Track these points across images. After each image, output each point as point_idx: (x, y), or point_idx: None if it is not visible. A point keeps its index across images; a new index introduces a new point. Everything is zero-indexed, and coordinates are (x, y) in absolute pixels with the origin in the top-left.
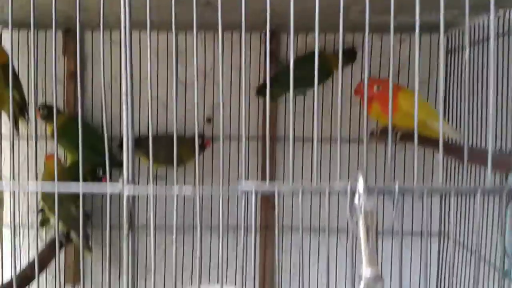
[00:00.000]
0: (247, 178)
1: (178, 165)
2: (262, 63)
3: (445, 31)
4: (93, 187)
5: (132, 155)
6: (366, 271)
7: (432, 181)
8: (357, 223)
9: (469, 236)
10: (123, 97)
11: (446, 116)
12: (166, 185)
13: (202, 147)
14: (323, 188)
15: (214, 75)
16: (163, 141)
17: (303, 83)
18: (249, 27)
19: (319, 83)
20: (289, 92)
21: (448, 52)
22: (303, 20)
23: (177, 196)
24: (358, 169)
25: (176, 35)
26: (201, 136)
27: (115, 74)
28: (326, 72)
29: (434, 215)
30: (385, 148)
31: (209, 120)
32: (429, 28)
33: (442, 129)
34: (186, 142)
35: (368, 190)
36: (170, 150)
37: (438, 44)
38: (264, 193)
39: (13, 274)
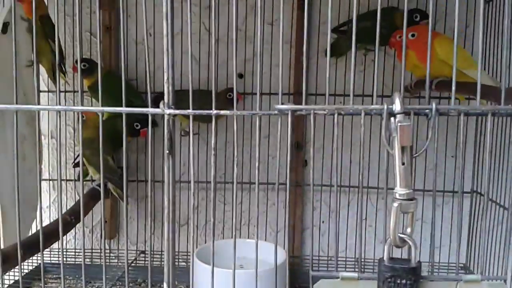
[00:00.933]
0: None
1: (208, 121)
2: (295, 16)
3: None
4: (137, 109)
5: (172, 82)
6: (400, 192)
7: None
8: (392, 143)
9: (502, 193)
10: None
11: (484, 65)
12: (198, 144)
13: (236, 100)
14: (359, 109)
15: (247, 30)
16: (195, 95)
17: (372, 38)
18: None
19: (383, 44)
20: (359, 45)
21: (486, 1)
22: None
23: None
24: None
25: None
26: (232, 90)
27: (150, 29)
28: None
29: (467, 174)
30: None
31: (241, 76)
32: None
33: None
34: (217, 96)
35: (405, 110)
36: (202, 104)
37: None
38: (300, 113)
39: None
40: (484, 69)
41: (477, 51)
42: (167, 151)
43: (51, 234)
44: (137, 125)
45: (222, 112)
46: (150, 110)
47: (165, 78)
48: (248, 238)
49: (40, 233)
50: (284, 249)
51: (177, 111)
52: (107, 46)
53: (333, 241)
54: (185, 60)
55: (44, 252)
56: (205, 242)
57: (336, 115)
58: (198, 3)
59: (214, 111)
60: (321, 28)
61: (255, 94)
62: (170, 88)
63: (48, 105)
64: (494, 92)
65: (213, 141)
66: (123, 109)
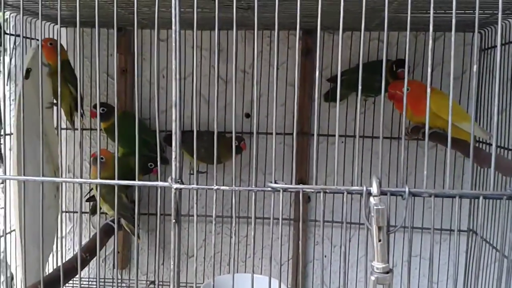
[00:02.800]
0: (280, 175)
1: (216, 163)
2: (299, 60)
3: (479, 29)
4: (147, 182)
5: (179, 157)
6: (377, 265)
7: (462, 181)
8: (370, 220)
9: (496, 235)
10: (173, 108)
11: (477, 115)
12: (206, 179)
13: (239, 149)
14: (341, 190)
15: (254, 72)
16: (204, 137)
17: (368, 88)
18: (285, 25)
19: (379, 93)
20: (354, 93)
21: (482, 50)
22: (337, 19)
23: (216, 191)
24: (401, 165)
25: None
26: (239, 138)
27: (162, 71)
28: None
29: (464, 214)
30: (417, 148)
31: (248, 116)
32: (463, 26)
33: (472, 134)
34: (224, 142)
35: (381, 192)
36: (210, 148)
37: (472, 42)
38: (291, 191)
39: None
40: (477, 118)
41: (472, 97)
42: (174, 220)
43: (67, 272)
44: (151, 165)
45: (222, 187)
46: (160, 183)
47: (173, 156)
48: (253, 270)
49: (61, 274)
50: (287, 285)
51: (182, 186)
52: (122, 88)
53: (335, 276)
54: (195, 100)
55: None
56: (213, 274)
57: (322, 193)
58: (208, 47)
59: (215, 187)
60: (323, 73)
61: (262, 133)
62: (178, 164)
63: (66, 145)
64: (478, 154)
65: (214, 216)
66: (136, 183)
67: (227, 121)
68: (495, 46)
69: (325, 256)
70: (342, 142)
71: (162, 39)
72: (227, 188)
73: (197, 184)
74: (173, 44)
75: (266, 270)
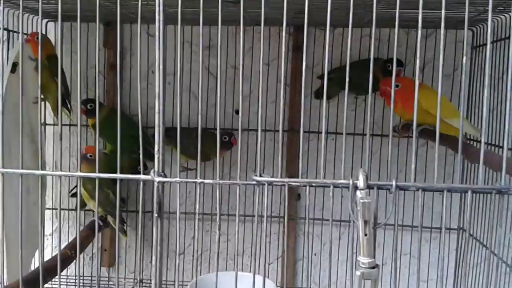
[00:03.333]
0: (269, 169)
1: (205, 160)
2: (290, 56)
3: (471, 26)
4: (129, 175)
5: (162, 151)
6: (363, 260)
7: (453, 178)
8: (357, 214)
9: (486, 233)
10: (156, 100)
11: (468, 112)
12: (197, 176)
13: (230, 144)
14: (328, 183)
15: (245, 68)
16: (193, 134)
17: (358, 86)
18: (276, 21)
19: (372, 91)
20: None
21: (473, 48)
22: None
23: (202, 186)
24: (390, 161)
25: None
26: (228, 134)
27: (152, 66)
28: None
29: (454, 211)
30: (407, 145)
31: (238, 112)
32: (455, 23)
33: (462, 129)
34: (214, 139)
35: (368, 186)
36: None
37: (464, 40)
38: (276, 185)
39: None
40: (468, 116)
41: (464, 94)
42: (156, 214)
43: (51, 269)
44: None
45: (206, 181)
46: (142, 177)
47: (156, 149)
48: (243, 268)
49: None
50: (275, 283)
51: (165, 179)
52: (111, 83)
53: (324, 274)
54: (185, 97)
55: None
56: (201, 271)
57: (307, 187)
58: (198, 43)
59: (198, 180)
60: (315, 69)
61: (251, 130)
62: (161, 157)
63: (53, 140)
64: (467, 150)
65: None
66: (118, 176)
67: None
68: (484, 44)
69: (315, 254)
70: (333, 139)
71: (151, 34)
72: (211, 181)
73: (181, 177)
74: (157, 38)
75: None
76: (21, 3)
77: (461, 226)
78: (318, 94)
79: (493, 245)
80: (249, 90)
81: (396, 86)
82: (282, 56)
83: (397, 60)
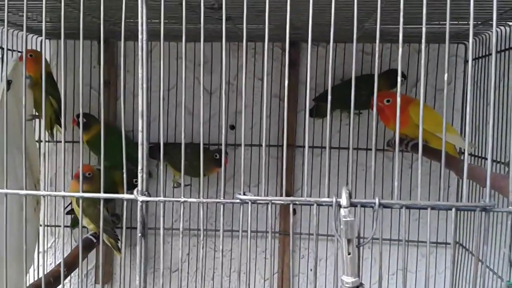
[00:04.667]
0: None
1: (198, 176)
2: (284, 72)
3: (464, 40)
4: (112, 195)
5: (146, 170)
6: (346, 280)
7: (448, 192)
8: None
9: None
10: (139, 119)
11: (462, 126)
12: (190, 192)
13: (221, 163)
14: (311, 201)
15: (238, 84)
16: (187, 150)
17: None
18: (270, 38)
19: (363, 108)
20: (339, 109)
21: (466, 61)
22: (322, 31)
23: (189, 205)
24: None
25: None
26: (221, 151)
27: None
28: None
29: (451, 225)
30: (402, 159)
31: (233, 127)
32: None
33: (444, 141)
34: (206, 155)
35: (351, 204)
36: (193, 161)
37: (452, 54)
38: (260, 203)
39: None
40: (462, 130)
41: (458, 108)
42: (140, 234)
43: (46, 286)
44: (136, 181)
45: (190, 200)
46: (125, 196)
47: (139, 167)
48: (239, 285)
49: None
50: None
51: (149, 198)
52: (105, 100)
53: None
54: (179, 112)
55: None
56: None
57: (291, 205)
58: (193, 59)
59: (182, 199)
60: (309, 84)
61: (246, 145)
62: (145, 176)
63: (48, 157)
64: (457, 165)
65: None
66: (101, 195)
67: (212, 133)
68: (480, 57)
69: (311, 270)
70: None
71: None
72: (195, 200)
73: (164, 196)
74: (140, 54)
75: (251, 285)
76: (24, 23)
77: (458, 240)
78: (313, 113)
79: (482, 258)
80: (243, 105)
81: (388, 101)
82: (275, 71)
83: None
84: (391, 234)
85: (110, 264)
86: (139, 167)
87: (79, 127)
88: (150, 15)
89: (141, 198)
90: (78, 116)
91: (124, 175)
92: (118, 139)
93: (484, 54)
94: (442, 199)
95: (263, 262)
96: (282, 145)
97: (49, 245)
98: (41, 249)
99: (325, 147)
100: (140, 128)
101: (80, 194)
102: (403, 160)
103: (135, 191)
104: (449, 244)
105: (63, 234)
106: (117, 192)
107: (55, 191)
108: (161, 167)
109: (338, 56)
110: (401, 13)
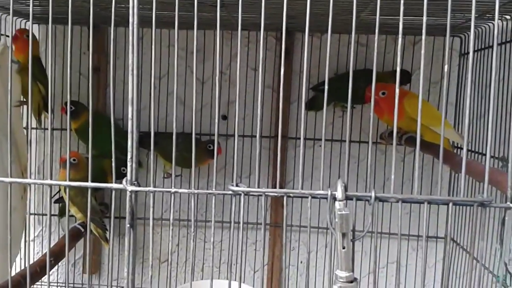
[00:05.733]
0: (257, 176)
1: (189, 167)
2: (277, 62)
3: (459, 33)
4: (102, 184)
5: (136, 159)
6: (341, 274)
7: (441, 187)
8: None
9: (471, 241)
10: (129, 106)
11: (456, 120)
12: (181, 183)
13: (213, 154)
14: (306, 194)
15: (231, 73)
16: (178, 140)
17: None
18: (265, 26)
19: (358, 102)
20: (336, 102)
21: (461, 55)
22: (317, 21)
23: (179, 195)
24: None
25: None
26: (213, 142)
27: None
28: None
29: (442, 219)
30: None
31: (225, 117)
32: (442, 30)
33: (442, 137)
34: (199, 146)
35: (346, 197)
36: (183, 152)
37: (449, 46)
38: (253, 195)
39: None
40: (456, 123)
41: (451, 101)
42: (128, 225)
43: (32, 276)
44: (123, 170)
45: (181, 190)
46: (114, 186)
47: (129, 156)
48: (228, 277)
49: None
50: None
51: (138, 188)
52: (95, 87)
53: (311, 282)
54: (170, 101)
55: None
56: (185, 280)
57: (285, 198)
58: (185, 47)
59: (173, 189)
60: (303, 75)
61: (239, 136)
62: (134, 165)
63: (36, 145)
64: (452, 159)
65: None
66: (89, 184)
67: (204, 123)
68: (476, 51)
69: (301, 262)
70: (320, 145)
71: (139, 37)
72: (186, 191)
73: (154, 186)
74: (131, 40)
75: (241, 276)
76: (11, 5)
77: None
78: (307, 106)
79: (477, 256)
80: (236, 95)
81: (383, 93)
82: (268, 61)
83: (406, 72)
84: (382, 228)
85: (98, 254)
86: (129, 156)
87: (67, 115)
88: (141, 0)
89: (130, 188)
90: (66, 103)
91: (113, 164)
92: (107, 127)
93: (480, 47)
94: (438, 194)
95: (253, 254)
96: (275, 136)
97: (36, 234)
98: (28, 238)
99: (318, 139)
100: (130, 116)
101: (67, 183)
102: (395, 153)
103: (124, 181)
104: (440, 238)
105: (49, 223)
106: (106, 181)
107: (43, 179)
108: (152, 156)
109: (332, 47)
110: (402, 7)
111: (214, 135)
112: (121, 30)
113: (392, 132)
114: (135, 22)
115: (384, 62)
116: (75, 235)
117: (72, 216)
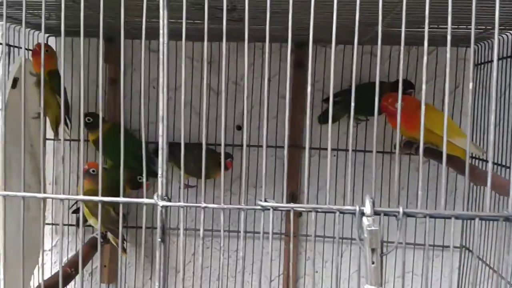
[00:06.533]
0: (272, 188)
1: (207, 178)
2: (292, 73)
3: (474, 44)
4: (133, 199)
5: (166, 173)
6: None
7: (455, 196)
8: (364, 243)
9: (489, 252)
10: (160, 123)
11: (472, 130)
12: (196, 194)
13: (225, 167)
14: (334, 209)
15: (245, 84)
16: (194, 151)
17: (363, 109)
18: (278, 38)
19: (372, 114)
20: (349, 115)
21: (476, 65)
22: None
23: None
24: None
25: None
26: (226, 154)
27: (153, 81)
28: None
29: (457, 228)
30: (409, 162)
31: (239, 128)
32: (457, 41)
33: (468, 150)
34: (213, 157)
35: (375, 213)
36: (199, 163)
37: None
38: (281, 210)
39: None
40: (472, 135)
41: (466, 111)
42: (160, 239)
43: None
44: (140, 178)
45: (211, 205)
46: (145, 200)
47: (159, 172)
48: (243, 286)
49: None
50: None
51: (169, 203)
52: (112, 98)
53: None
54: (186, 112)
55: None
56: None
57: (314, 213)
58: (200, 59)
59: (203, 204)
60: (316, 85)
61: (253, 146)
62: (164, 181)
63: (54, 156)
64: (472, 171)
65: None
66: (121, 199)
67: (218, 133)
68: (490, 61)
69: (317, 272)
70: (334, 155)
71: (153, 50)
72: (216, 206)
73: (185, 201)
74: (161, 57)
75: (256, 286)
76: (23, 18)
77: (464, 244)
78: (321, 119)
79: (501, 269)
80: (251, 105)
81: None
82: (283, 72)
83: (408, 82)
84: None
85: (115, 263)
86: (159, 172)
87: (85, 127)
88: (155, 15)
89: (161, 203)
90: (85, 115)
91: (122, 174)
92: (125, 138)
93: (491, 59)
94: (462, 208)
95: (269, 263)
96: (291, 147)
97: (54, 244)
98: (46, 248)
99: (332, 150)
100: (160, 132)
101: (81, 197)
102: (410, 163)
103: (154, 196)
104: (456, 248)
105: (61, 233)
106: (124, 190)
107: (61, 189)
108: (182, 172)
109: (347, 58)
110: (426, 20)
111: (230, 145)
112: (137, 42)
113: (407, 142)
114: (165, 41)
115: (398, 72)
116: (94, 245)
117: (90, 226)
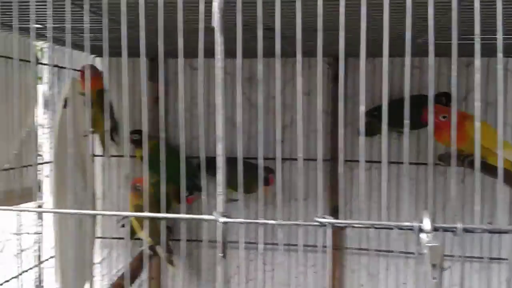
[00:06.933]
0: (314, 200)
1: (248, 192)
2: (330, 87)
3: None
4: (193, 216)
5: (225, 191)
6: None
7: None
8: (424, 259)
9: None
10: (217, 144)
11: None
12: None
13: (267, 182)
14: (392, 225)
15: (284, 99)
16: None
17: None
18: (314, 53)
19: (415, 128)
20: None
21: None
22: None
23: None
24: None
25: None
26: (267, 169)
27: (194, 98)
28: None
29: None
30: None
31: (281, 141)
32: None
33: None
34: (254, 171)
35: (434, 229)
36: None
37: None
38: (339, 226)
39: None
40: None
41: (510, 122)
42: (221, 254)
43: None
44: (186, 194)
45: (269, 222)
46: (205, 217)
47: (218, 190)
48: None
49: None
50: None
51: (229, 220)
52: (157, 116)
53: None
54: (227, 127)
55: None
56: None
57: (372, 230)
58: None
59: (261, 221)
60: (354, 98)
61: (294, 159)
62: (223, 198)
63: (103, 172)
64: None
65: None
66: (182, 216)
67: (259, 147)
68: None
69: (362, 285)
70: (376, 168)
71: (195, 68)
72: (273, 222)
73: (244, 218)
74: (217, 81)
75: None
76: (68, 40)
77: None
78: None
79: None
80: (290, 119)
81: (444, 117)
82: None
83: (449, 94)
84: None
85: (164, 275)
86: (218, 190)
87: (133, 144)
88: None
89: (221, 219)
90: (132, 132)
91: (161, 188)
92: (170, 154)
93: None
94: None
95: (313, 277)
96: (333, 160)
97: (104, 256)
98: (97, 260)
99: (375, 162)
100: (219, 152)
101: (131, 213)
102: (446, 175)
103: (214, 213)
104: (504, 259)
105: (110, 247)
106: (170, 205)
107: (110, 204)
108: (241, 189)
109: (390, 70)
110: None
111: (271, 159)
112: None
113: (443, 154)
114: (221, 65)
115: (438, 85)
116: (143, 258)
117: (139, 239)
